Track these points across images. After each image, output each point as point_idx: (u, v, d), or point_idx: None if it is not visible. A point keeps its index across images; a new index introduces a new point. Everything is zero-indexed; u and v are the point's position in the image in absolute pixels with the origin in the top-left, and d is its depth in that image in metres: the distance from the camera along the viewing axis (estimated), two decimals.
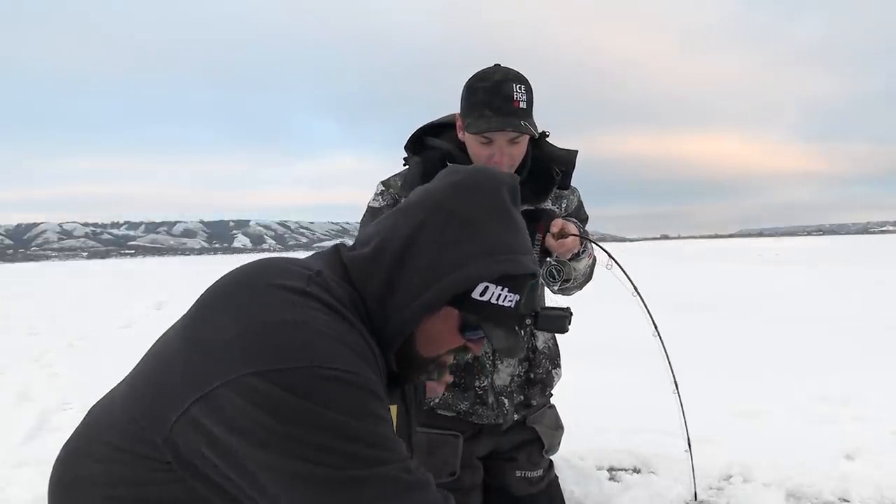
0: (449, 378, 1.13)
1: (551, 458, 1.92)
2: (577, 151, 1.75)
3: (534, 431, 1.84)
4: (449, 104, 1.74)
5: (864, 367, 4.63)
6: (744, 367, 4.77)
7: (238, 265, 0.94)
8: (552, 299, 1.76)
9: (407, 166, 1.74)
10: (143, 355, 0.97)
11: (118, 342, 6.73)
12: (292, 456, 0.77)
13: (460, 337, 0.97)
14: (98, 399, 1.02)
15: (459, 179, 0.96)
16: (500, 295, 0.91)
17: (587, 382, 3.87)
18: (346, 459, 0.78)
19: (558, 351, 1.89)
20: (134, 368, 0.96)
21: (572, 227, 1.55)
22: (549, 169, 1.71)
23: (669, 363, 1.81)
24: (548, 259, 1.56)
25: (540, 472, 1.86)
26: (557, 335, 1.85)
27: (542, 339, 1.82)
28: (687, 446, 1.97)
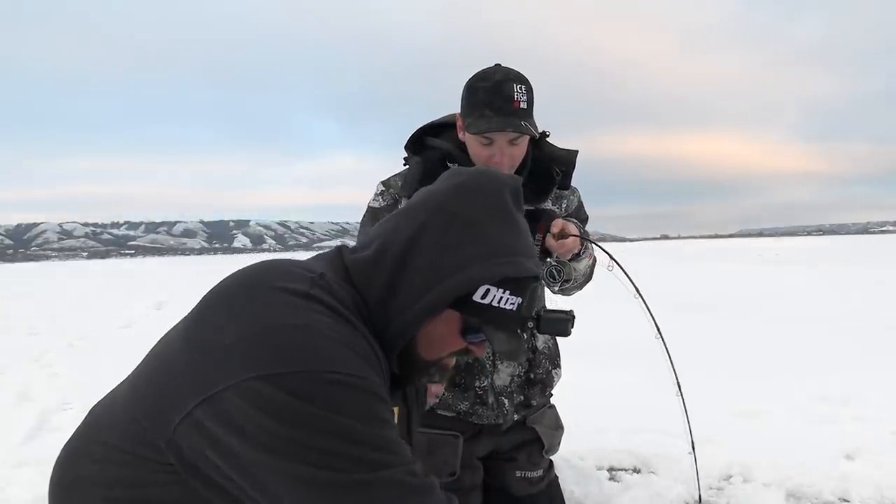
0: (440, 390, 1.12)
1: (551, 458, 1.92)
2: (577, 151, 1.75)
3: (534, 431, 1.83)
4: (449, 104, 1.74)
5: (864, 367, 4.63)
6: (744, 367, 4.77)
7: (238, 265, 0.94)
8: (552, 300, 1.76)
9: (407, 166, 1.74)
10: (144, 356, 0.97)
11: (118, 342, 6.73)
12: (297, 460, 0.76)
13: (462, 340, 0.97)
14: (98, 399, 1.02)
15: (462, 181, 0.96)
16: (501, 298, 0.91)
17: (587, 382, 3.87)
18: (352, 463, 0.78)
19: (558, 351, 1.89)
20: (136, 369, 0.96)
21: (572, 228, 1.55)
22: (549, 169, 1.71)
23: (673, 366, 1.81)
24: (548, 259, 1.56)
25: (540, 473, 1.86)
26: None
27: (542, 339, 1.82)
28: (691, 448, 1.97)
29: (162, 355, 0.91)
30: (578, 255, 1.60)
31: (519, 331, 0.99)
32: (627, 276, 1.66)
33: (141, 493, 0.86)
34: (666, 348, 1.76)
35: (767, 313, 7.84)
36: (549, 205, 1.76)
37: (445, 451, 1.71)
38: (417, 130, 1.74)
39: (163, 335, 0.97)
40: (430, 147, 1.71)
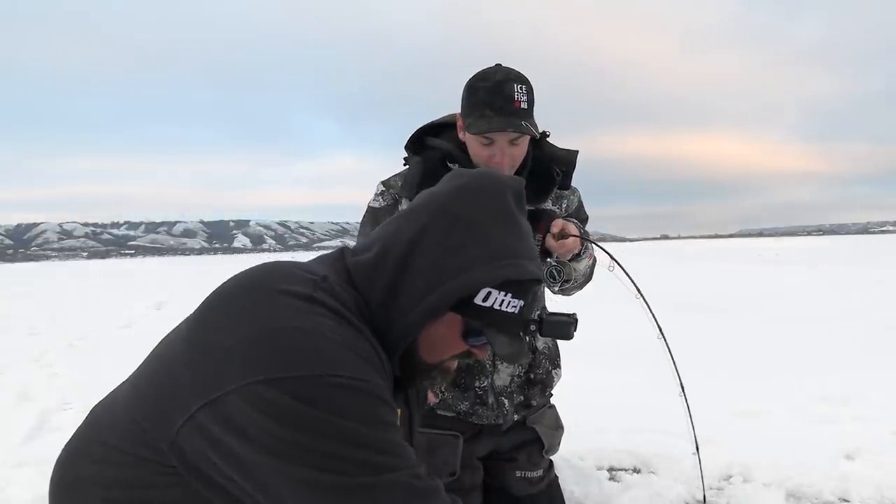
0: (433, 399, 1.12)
1: (551, 458, 1.92)
2: (577, 151, 1.75)
3: (534, 432, 1.83)
4: (449, 104, 1.74)
5: (864, 367, 4.63)
6: (744, 367, 4.77)
7: (238, 265, 0.94)
8: (552, 300, 1.76)
9: (407, 166, 1.74)
10: (145, 356, 0.97)
11: (118, 342, 6.73)
12: (300, 463, 0.76)
13: (464, 342, 0.96)
14: (99, 399, 1.02)
15: (464, 183, 0.95)
16: (503, 300, 0.90)
17: (587, 382, 3.87)
18: (356, 466, 0.78)
19: (558, 351, 1.89)
20: (137, 369, 0.96)
21: (573, 228, 1.55)
22: (549, 169, 1.71)
23: (675, 367, 1.80)
24: (548, 260, 1.56)
25: (540, 473, 1.86)
26: None
27: (542, 339, 1.82)
28: (695, 448, 1.97)
29: (163, 357, 0.91)
30: (579, 255, 1.60)
31: (521, 334, 0.99)
32: (629, 276, 1.66)
33: (141, 493, 0.86)
34: (669, 349, 1.76)
35: (767, 313, 7.83)
36: (549, 205, 1.76)
37: (445, 451, 1.71)
38: (417, 130, 1.74)
39: (164, 336, 0.96)
40: (431, 147, 1.71)
